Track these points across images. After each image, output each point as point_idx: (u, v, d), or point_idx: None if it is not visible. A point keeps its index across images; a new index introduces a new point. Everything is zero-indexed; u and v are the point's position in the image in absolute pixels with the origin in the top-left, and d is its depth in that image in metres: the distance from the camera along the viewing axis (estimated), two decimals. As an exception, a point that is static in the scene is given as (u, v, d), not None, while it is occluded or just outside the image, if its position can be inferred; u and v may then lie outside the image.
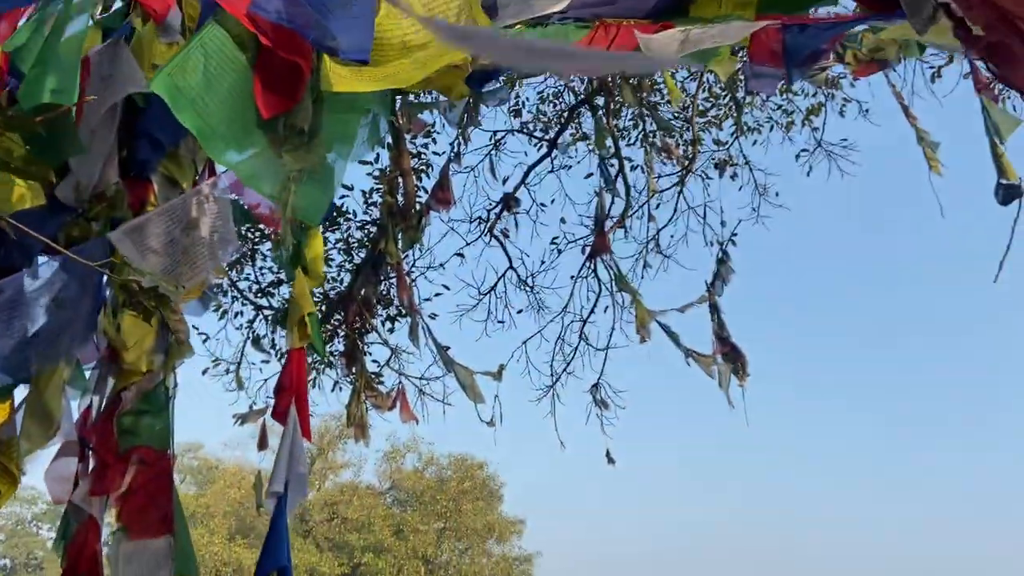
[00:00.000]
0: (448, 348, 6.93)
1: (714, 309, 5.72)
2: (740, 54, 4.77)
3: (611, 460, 7.13)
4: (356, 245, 7.45)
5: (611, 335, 7.18)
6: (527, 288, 7.53)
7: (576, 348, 7.36)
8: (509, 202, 7.02)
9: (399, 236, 6.48)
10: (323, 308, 7.56)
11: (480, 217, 7.35)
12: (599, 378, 7.13)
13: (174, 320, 1.94)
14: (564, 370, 7.47)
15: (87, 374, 2.67)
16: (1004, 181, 4.51)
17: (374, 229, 7.10)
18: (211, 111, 1.75)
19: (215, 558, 39.89)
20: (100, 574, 2.58)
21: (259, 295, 7.51)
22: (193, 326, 7.62)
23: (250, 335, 7.44)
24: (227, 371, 7.51)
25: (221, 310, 7.62)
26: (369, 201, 6.98)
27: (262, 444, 4.84)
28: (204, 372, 7.64)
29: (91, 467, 2.63)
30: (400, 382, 7.51)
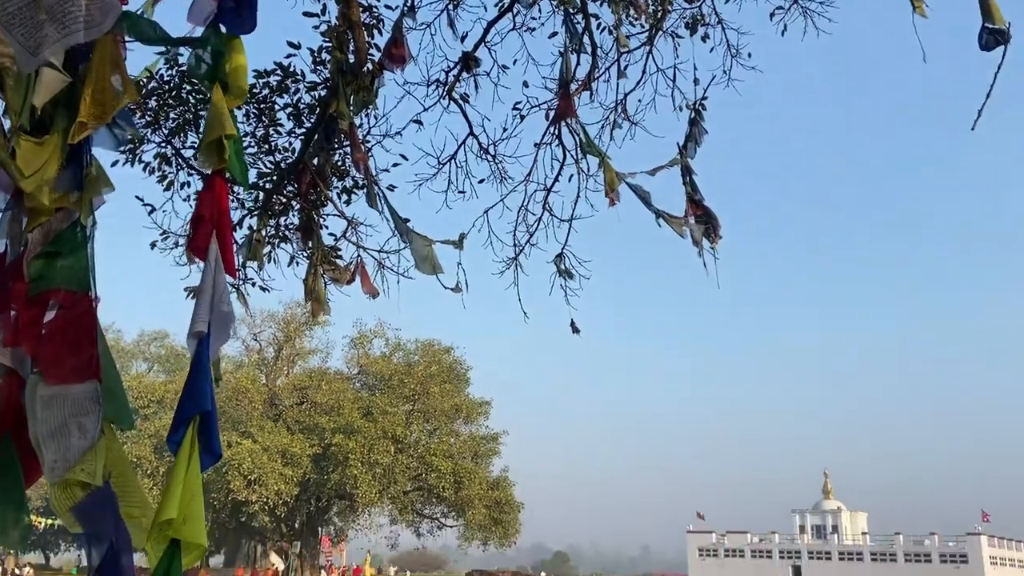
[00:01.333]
0: (407, 220, 6.69)
1: (686, 171, 5.51)
2: None
3: (576, 330, 7.08)
4: (306, 111, 7.03)
5: (576, 204, 6.97)
6: (489, 156, 7.22)
7: (540, 218, 7.15)
8: (468, 62, 6.61)
9: (351, 97, 6.09)
10: (274, 178, 7.21)
11: (438, 80, 6.94)
12: (563, 248, 6.97)
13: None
14: (527, 241, 7.29)
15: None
16: (989, 25, 4.27)
17: (324, 92, 6.67)
18: None
19: (186, 442, 40.59)
20: (27, 427, 2.40)
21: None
22: (137, 197, 7.32)
23: (198, 206, 7.09)
24: (176, 244, 7.21)
25: (167, 181, 7.24)
26: (318, 60, 6.51)
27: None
28: (152, 246, 7.34)
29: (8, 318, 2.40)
30: (358, 255, 7.29)
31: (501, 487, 48.42)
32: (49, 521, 41.18)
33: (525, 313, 7.02)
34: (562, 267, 7.12)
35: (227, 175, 2.49)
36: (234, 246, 3.32)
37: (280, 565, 60.51)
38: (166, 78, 6.89)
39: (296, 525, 50.16)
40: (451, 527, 50.08)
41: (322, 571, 57.30)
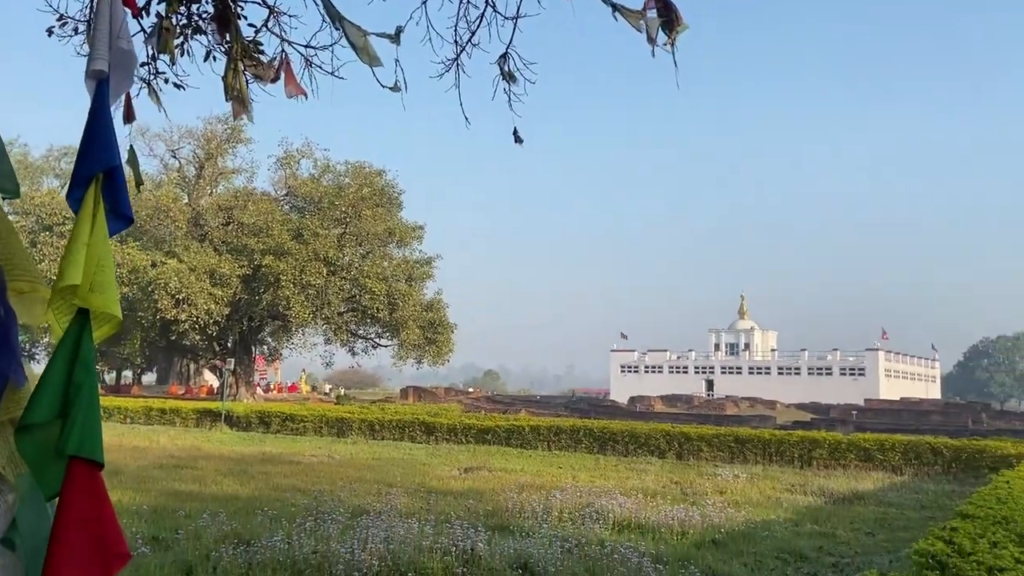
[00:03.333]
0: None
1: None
2: None
3: (519, 139, 6.74)
4: None
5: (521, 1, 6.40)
6: (427, -60, 6.48)
7: (483, 14, 6.58)
8: None
9: None
10: (183, -44, 6.37)
11: None
12: (507, 48, 6.47)
13: None
14: (469, 40, 6.74)
15: None
16: None
17: None
18: None
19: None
20: None
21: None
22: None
23: (96, -14, 6.24)
24: (76, 31, 6.40)
25: (57, -44, 6.31)
26: None
27: (128, 117, 4.17)
28: (50, 32, 6.50)
29: None
30: (283, 50, 6.66)
31: (435, 308, 49.38)
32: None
33: (467, 119, 6.62)
34: (506, 70, 6.67)
35: None
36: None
37: (214, 383, 61.63)
38: None
39: (229, 344, 50.57)
40: (385, 347, 51.36)
41: (258, 388, 58.68)
